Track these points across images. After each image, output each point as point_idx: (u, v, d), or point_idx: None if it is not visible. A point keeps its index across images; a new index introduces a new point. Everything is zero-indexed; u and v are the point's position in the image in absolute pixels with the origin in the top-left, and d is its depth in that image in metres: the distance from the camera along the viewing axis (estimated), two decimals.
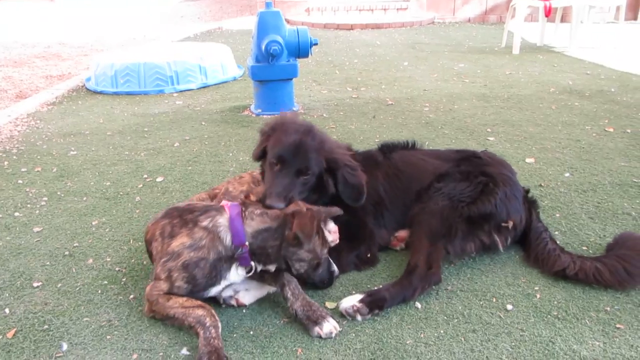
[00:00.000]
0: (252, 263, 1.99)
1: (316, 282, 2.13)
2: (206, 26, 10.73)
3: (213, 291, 2.01)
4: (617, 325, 1.91)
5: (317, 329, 1.90)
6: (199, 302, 1.90)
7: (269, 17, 4.53)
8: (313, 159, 2.24)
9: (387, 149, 2.65)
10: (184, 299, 1.92)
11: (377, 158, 2.58)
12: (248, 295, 2.08)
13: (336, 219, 2.15)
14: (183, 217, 2.03)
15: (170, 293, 1.94)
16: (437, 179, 2.46)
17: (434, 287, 2.15)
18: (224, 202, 2.09)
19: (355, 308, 1.99)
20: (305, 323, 1.94)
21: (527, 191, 2.56)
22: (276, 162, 2.23)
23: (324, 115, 4.64)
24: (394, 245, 2.47)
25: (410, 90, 5.45)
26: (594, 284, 2.13)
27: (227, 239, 1.96)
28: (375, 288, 2.13)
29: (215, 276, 1.97)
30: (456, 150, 2.75)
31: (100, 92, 5.80)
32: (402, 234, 2.47)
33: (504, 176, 2.45)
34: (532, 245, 2.36)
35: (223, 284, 2.00)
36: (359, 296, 2.04)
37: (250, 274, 2.01)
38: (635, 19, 10.13)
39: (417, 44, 8.25)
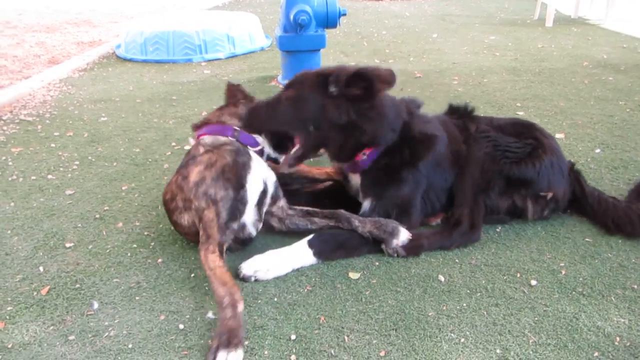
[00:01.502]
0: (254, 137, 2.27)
1: None
2: None
3: (252, 188, 2.13)
4: None
5: (395, 240, 2.14)
6: (226, 277, 1.87)
7: None
8: None
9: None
10: (220, 264, 1.92)
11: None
12: (267, 275, 2.08)
13: None
14: (181, 165, 2.23)
15: (218, 215, 2.01)
16: (489, 125, 2.45)
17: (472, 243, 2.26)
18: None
19: (394, 248, 2.15)
20: (383, 237, 2.16)
21: (573, 165, 2.53)
22: None
23: None
24: (430, 221, 2.46)
25: (439, 63, 5.37)
26: None
27: (224, 139, 2.22)
28: (419, 231, 2.25)
29: (243, 167, 2.12)
30: (510, 118, 2.72)
31: (130, 60, 5.85)
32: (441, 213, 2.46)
33: (552, 147, 2.42)
34: (598, 209, 2.37)
35: (253, 172, 2.14)
36: (405, 234, 2.16)
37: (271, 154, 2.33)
38: None
39: (447, 15, 8.08)
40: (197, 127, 2.38)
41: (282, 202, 2.31)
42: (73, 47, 6.69)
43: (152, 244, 2.31)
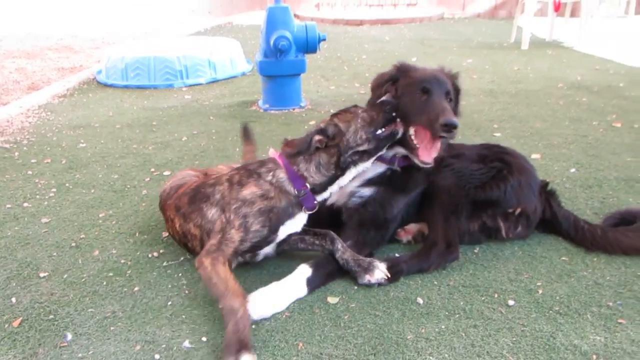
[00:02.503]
0: (316, 202, 2.19)
1: (383, 140, 2.21)
2: (217, 21, 10.75)
3: (280, 234, 2.17)
4: (619, 320, 1.91)
5: (367, 276, 2.12)
6: (239, 290, 1.92)
7: (277, 12, 4.54)
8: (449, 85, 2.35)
9: None
10: (232, 276, 1.95)
11: None
12: (268, 314, 2.01)
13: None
14: (246, 169, 2.24)
15: (240, 248, 2.06)
16: (452, 156, 2.49)
17: (449, 263, 2.28)
18: (271, 152, 2.29)
19: (377, 280, 2.14)
20: (355, 270, 2.14)
21: (546, 184, 2.57)
22: (422, 92, 2.27)
23: (332, 111, 4.65)
24: (400, 236, 2.49)
25: None
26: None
27: (291, 188, 2.15)
28: (395, 257, 2.28)
29: (285, 218, 2.14)
30: (481, 143, 2.78)
31: (111, 85, 5.85)
32: (412, 227, 2.49)
33: (521, 166, 2.47)
34: (565, 228, 2.45)
35: (288, 224, 2.16)
36: (383, 265, 2.16)
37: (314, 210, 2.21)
38: None
39: (425, 39, 8.22)
40: (287, 146, 2.25)
41: None
42: (53, 73, 6.68)
43: (129, 272, 2.29)
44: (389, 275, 2.14)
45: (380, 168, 2.37)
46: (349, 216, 2.36)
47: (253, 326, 1.94)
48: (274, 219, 2.11)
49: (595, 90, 5.00)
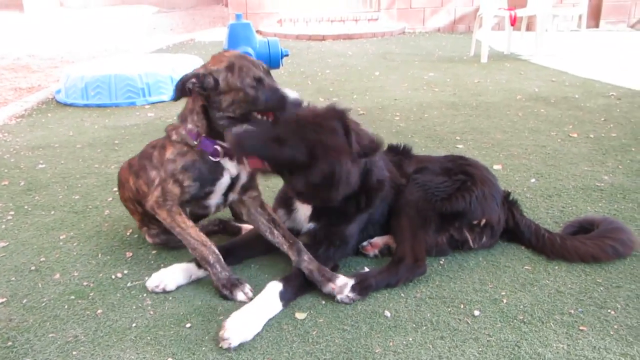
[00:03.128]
0: (216, 146, 2.25)
1: (264, 110, 2.20)
2: (178, 38, 10.69)
3: (219, 187, 2.30)
4: (581, 327, 1.95)
5: (330, 284, 2.14)
6: (203, 237, 2.23)
7: (239, 28, 4.54)
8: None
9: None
10: (192, 224, 2.26)
11: None
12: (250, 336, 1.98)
13: None
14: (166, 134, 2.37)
15: (181, 198, 2.26)
16: (416, 171, 2.53)
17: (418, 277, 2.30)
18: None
19: (349, 298, 2.14)
20: (319, 280, 2.17)
21: (508, 194, 2.64)
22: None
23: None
24: (367, 251, 2.49)
25: (381, 99, 5.51)
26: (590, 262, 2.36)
27: (191, 141, 2.25)
28: (363, 271, 2.29)
29: (214, 171, 2.27)
30: (445, 155, 2.84)
31: (71, 105, 5.72)
32: (378, 241, 2.50)
33: (484, 177, 2.53)
34: (527, 236, 2.51)
35: (226, 175, 2.29)
36: (350, 282, 2.16)
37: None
38: (597, 26, 10.42)
39: (388, 53, 8.34)
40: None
41: (255, 194, 2.44)
42: (10, 93, 6.50)
43: (91, 294, 2.23)
44: (350, 283, 2.15)
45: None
46: (305, 238, 2.38)
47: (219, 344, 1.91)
48: (202, 172, 2.24)
49: (552, 101, 5.16)
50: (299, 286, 2.19)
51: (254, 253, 2.50)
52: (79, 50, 9.63)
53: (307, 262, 2.22)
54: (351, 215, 2.38)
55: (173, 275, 2.26)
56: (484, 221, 2.44)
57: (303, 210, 2.43)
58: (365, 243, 2.50)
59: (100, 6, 15.11)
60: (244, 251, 2.48)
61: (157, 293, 2.22)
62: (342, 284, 2.15)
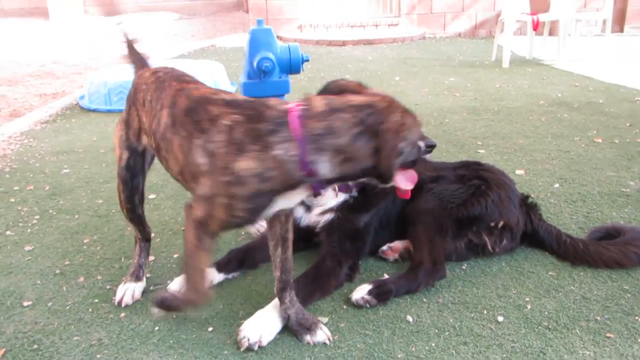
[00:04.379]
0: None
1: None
2: (200, 44, 10.79)
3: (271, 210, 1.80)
4: (608, 335, 1.92)
5: (308, 336, 1.93)
6: (205, 290, 1.83)
7: (260, 34, 4.56)
8: None
9: None
10: (206, 272, 1.81)
11: None
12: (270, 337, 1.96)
13: None
14: (253, 124, 1.68)
15: (227, 222, 1.73)
16: (432, 180, 2.52)
17: (438, 280, 2.28)
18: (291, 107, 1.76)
19: (365, 300, 2.12)
20: (296, 329, 1.96)
21: (527, 197, 2.62)
22: None
23: None
24: (387, 255, 2.49)
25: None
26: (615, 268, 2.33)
27: (298, 172, 1.66)
28: (383, 278, 2.25)
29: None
30: (460, 161, 2.84)
31: (94, 110, 5.81)
32: (398, 244, 2.49)
33: (500, 180, 2.51)
34: (548, 242, 2.48)
35: (276, 207, 1.78)
36: (368, 287, 2.15)
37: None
38: (621, 31, 10.26)
39: (408, 59, 8.32)
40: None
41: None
42: (35, 99, 6.63)
43: (115, 298, 2.25)
44: (331, 339, 1.95)
45: (341, 197, 2.41)
46: (321, 234, 2.39)
47: (240, 350, 1.91)
48: (261, 208, 1.72)
49: (575, 106, 5.09)
50: (313, 282, 2.20)
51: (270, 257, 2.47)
52: (102, 56, 9.79)
53: (288, 306, 1.99)
54: (367, 206, 2.38)
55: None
56: (501, 223, 2.42)
57: (319, 206, 2.43)
58: (385, 247, 2.49)
59: (121, 14, 15.34)
60: (260, 255, 2.46)
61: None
62: (321, 339, 1.93)
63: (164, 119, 1.89)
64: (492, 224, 2.42)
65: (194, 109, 1.81)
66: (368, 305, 2.12)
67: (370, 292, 2.14)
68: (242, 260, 2.35)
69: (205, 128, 1.74)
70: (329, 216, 2.41)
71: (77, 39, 12.41)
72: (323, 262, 2.29)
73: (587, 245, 2.39)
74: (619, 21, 10.23)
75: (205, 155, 1.71)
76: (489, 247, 2.43)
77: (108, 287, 2.34)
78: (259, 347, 1.90)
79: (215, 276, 2.30)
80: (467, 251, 2.45)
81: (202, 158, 1.72)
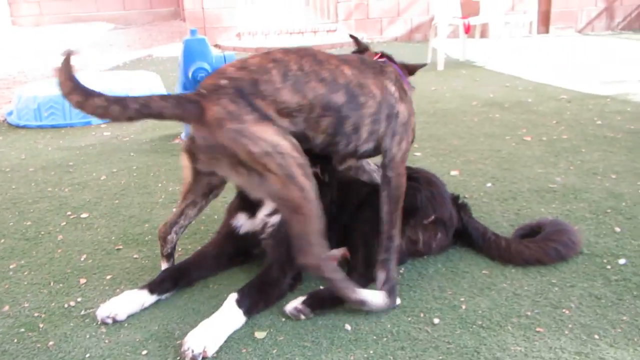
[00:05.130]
0: None
1: None
2: (136, 54, 10.54)
3: None
4: (537, 329, 1.98)
5: None
6: None
7: (194, 44, 4.51)
8: None
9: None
10: None
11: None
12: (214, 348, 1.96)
13: None
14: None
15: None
16: (366, 185, 2.55)
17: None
18: None
19: (297, 309, 2.09)
20: None
21: (457, 197, 2.68)
22: None
23: None
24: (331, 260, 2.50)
25: None
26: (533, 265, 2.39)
27: None
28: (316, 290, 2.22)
29: None
30: None
31: (23, 127, 5.57)
32: (335, 252, 2.50)
33: (430, 179, 2.59)
34: (475, 239, 2.53)
35: None
36: (301, 298, 2.13)
37: None
38: (547, 32, 10.74)
39: None
40: None
41: None
42: None
43: (42, 325, 2.15)
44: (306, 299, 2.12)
45: None
46: (267, 241, 2.36)
47: None
48: None
49: (506, 106, 5.27)
50: (257, 292, 2.17)
51: (207, 273, 2.45)
52: (32, 70, 9.41)
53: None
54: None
55: (123, 303, 2.18)
56: (432, 217, 2.48)
57: (264, 209, 2.40)
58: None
59: (53, 24, 14.80)
60: (196, 272, 2.42)
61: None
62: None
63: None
64: (426, 222, 2.47)
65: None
66: (302, 316, 2.10)
67: (304, 302, 2.12)
68: (177, 279, 2.29)
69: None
70: (275, 219, 2.35)
71: (4, 51, 11.87)
72: (269, 271, 2.25)
73: (509, 244, 2.46)
74: (544, 22, 10.71)
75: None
76: (420, 244, 2.47)
77: (36, 314, 2.23)
78: (203, 358, 1.87)
79: (146, 299, 2.22)
80: (406, 249, 2.46)
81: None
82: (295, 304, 2.12)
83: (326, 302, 2.16)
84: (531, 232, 2.59)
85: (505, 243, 2.47)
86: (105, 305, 2.17)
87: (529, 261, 2.40)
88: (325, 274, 2.00)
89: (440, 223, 2.50)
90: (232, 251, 2.47)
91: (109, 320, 2.12)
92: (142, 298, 2.21)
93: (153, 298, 2.24)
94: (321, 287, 2.29)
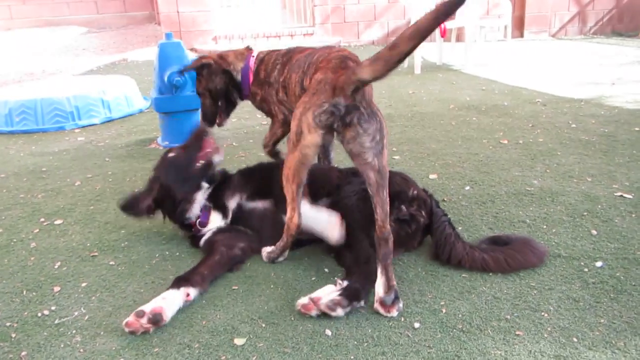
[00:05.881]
0: None
1: None
2: (110, 58, 10.41)
3: None
4: (517, 332, 1.99)
5: None
6: None
7: (169, 48, 4.47)
8: None
9: None
10: None
11: None
12: None
13: None
14: None
15: None
16: (342, 185, 2.60)
17: None
18: None
19: (336, 301, 2.09)
20: None
21: (423, 189, 2.73)
22: None
23: (234, 143, 4.60)
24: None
25: None
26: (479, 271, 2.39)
27: None
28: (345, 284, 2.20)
29: None
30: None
31: None
32: None
33: (396, 172, 2.68)
34: (434, 232, 2.54)
35: None
36: (335, 290, 2.15)
37: None
38: (521, 36, 10.93)
39: None
40: None
41: None
42: None
43: (14, 335, 2.09)
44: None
45: None
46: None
47: None
48: None
49: (483, 109, 5.32)
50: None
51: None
52: (3, 74, 9.21)
53: None
54: None
55: None
56: (415, 192, 2.55)
57: None
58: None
59: (24, 28, 14.52)
60: None
61: (88, 329, 2.09)
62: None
63: None
64: (409, 196, 2.52)
65: None
66: (340, 309, 2.09)
67: (341, 294, 2.12)
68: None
69: None
70: None
71: None
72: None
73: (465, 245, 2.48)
74: (519, 27, 10.89)
75: None
76: (412, 215, 2.48)
77: (8, 324, 2.16)
78: None
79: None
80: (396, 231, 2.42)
81: None
82: (332, 295, 2.12)
83: (361, 293, 2.18)
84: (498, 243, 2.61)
85: (460, 243, 2.48)
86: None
87: (475, 264, 2.41)
88: None
89: (419, 198, 2.54)
90: None
91: None
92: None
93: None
94: (345, 282, 2.23)
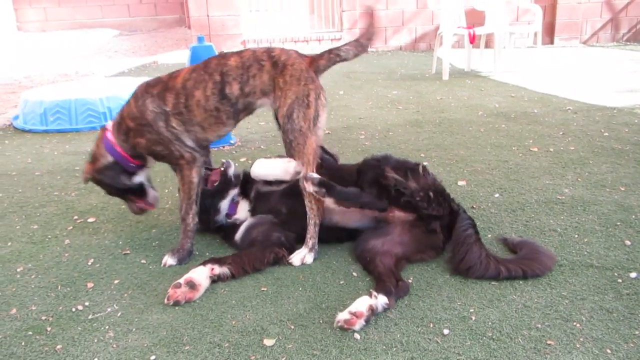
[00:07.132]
0: None
1: None
2: (141, 60, 10.58)
3: None
4: (548, 342, 1.97)
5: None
6: None
7: (201, 51, 4.53)
8: None
9: None
10: None
11: None
12: None
13: None
14: None
15: None
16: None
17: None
18: None
19: (387, 304, 2.18)
20: None
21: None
22: None
23: (262, 147, 4.64)
24: None
25: (346, 119, 5.54)
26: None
27: None
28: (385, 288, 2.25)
29: None
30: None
31: (29, 131, 5.58)
32: None
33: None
34: (455, 231, 2.55)
35: None
36: (383, 296, 2.19)
37: None
38: (552, 43, 10.78)
39: (352, 72, 8.41)
40: None
41: None
42: None
43: (49, 328, 2.14)
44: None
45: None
46: None
47: None
48: None
49: (512, 116, 5.27)
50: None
51: None
52: (38, 75, 9.44)
53: None
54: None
55: None
56: (422, 166, 2.71)
57: None
58: None
59: (59, 30, 14.87)
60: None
61: (120, 325, 2.13)
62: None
63: None
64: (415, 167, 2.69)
65: None
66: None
67: (390, 298, 2.21)
68: None
69: None
70: None
71: (10, 56, 11.93)
72: None
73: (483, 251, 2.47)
74: (549, 33, 10.75)
75: None
76: (396, 183, 2.57)
77: (43, 317, 2.22)
78: None
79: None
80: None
81: None
82: (384, 300, 2.17)
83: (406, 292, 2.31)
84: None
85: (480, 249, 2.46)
86: None
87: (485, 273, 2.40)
88: None
89: (439, 192, 2.62)
90: None
91: None
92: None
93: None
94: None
